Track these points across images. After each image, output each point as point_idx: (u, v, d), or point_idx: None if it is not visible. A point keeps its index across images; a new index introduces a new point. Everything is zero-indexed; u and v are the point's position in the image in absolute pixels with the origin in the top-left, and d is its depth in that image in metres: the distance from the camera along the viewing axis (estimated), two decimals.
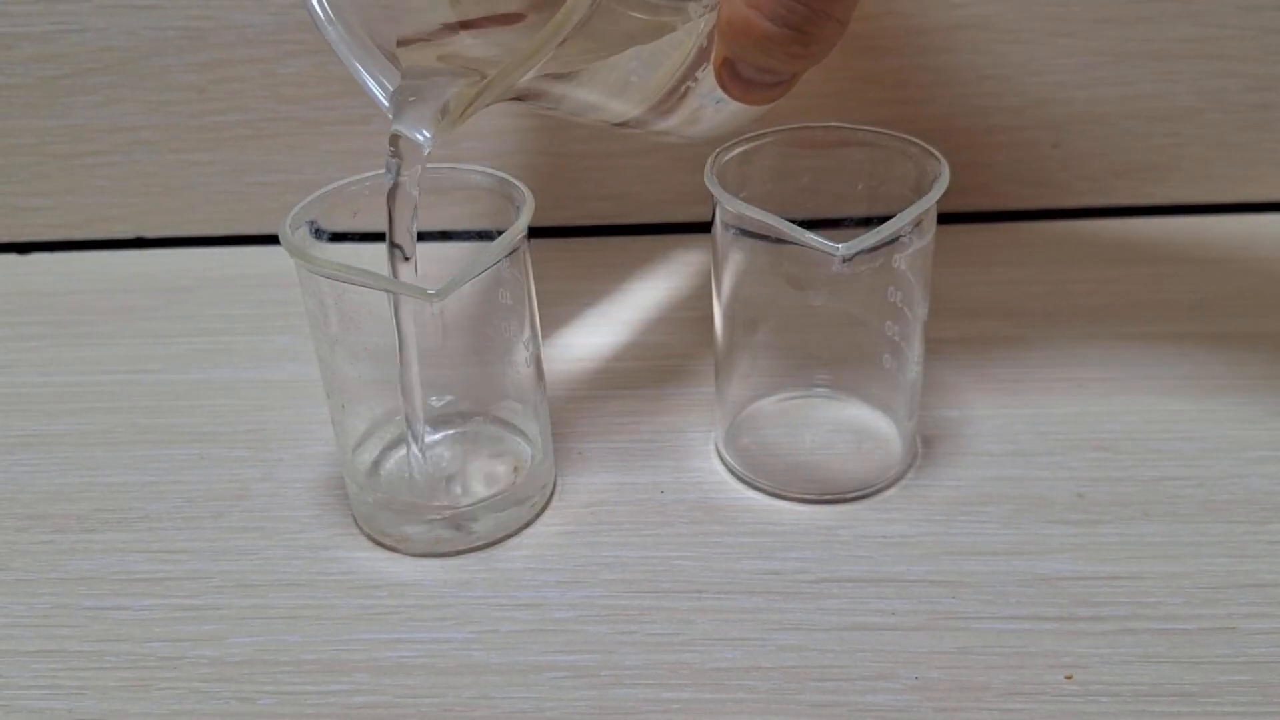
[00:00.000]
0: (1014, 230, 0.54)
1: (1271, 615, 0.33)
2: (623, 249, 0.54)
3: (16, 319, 0.51)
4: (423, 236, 0.36)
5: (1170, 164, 0.54)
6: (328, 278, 0.33)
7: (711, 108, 0.34)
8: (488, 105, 0.29)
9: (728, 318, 0.38)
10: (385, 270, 0.32)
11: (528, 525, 0.37)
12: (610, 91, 0.33)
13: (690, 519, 0.37)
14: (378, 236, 0.36)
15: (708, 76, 0.32)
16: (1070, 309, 0.47)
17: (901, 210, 0.33)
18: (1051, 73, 0.51)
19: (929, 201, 0.33)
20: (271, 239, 0.38)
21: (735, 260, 0.37)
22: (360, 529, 0.37)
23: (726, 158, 0.36)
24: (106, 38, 0.51)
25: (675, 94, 0.33)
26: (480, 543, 0.36)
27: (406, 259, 0.32)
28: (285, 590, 0.35)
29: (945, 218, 0.36)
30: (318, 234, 0.35)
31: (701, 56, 0.32)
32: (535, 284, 0.36)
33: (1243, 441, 0.39)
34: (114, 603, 0.35)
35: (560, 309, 0.49)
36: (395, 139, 0.31)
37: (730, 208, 0.34)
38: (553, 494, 0.38)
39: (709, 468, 0.39)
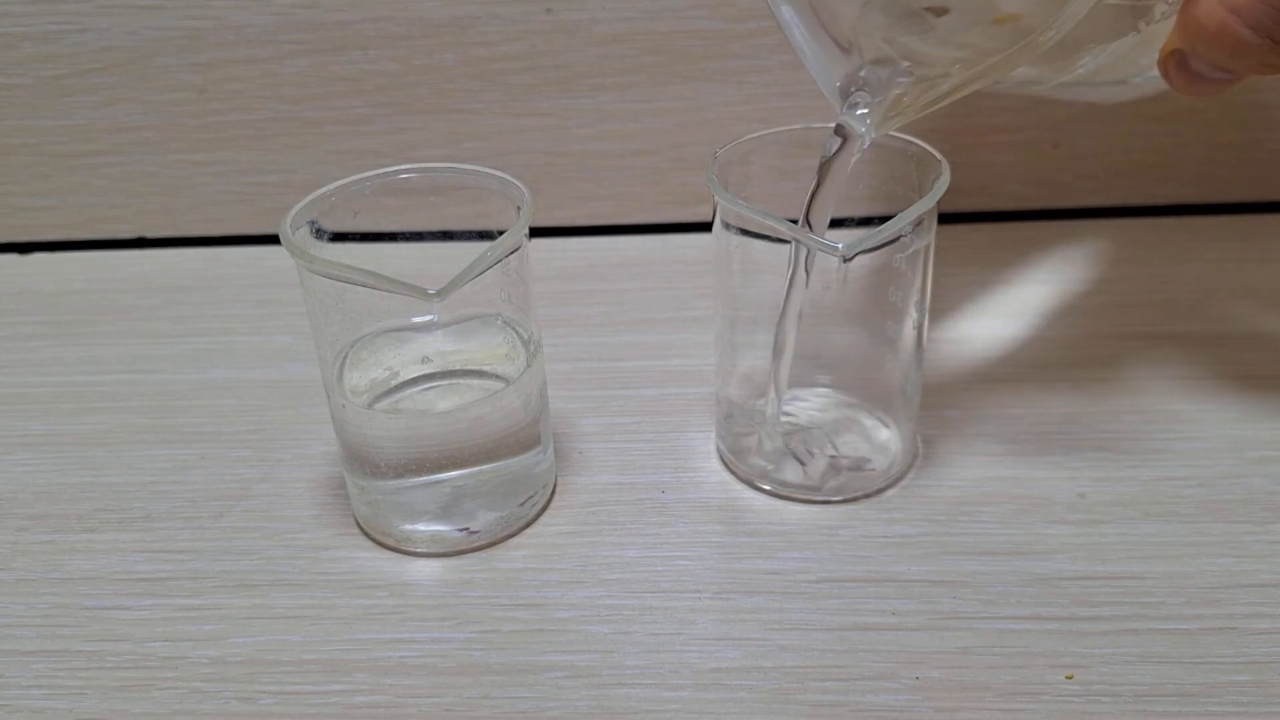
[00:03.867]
0: (1014, 230, 0.54)
1: (1271, 615, 0.33)
2: (623, 249, 0.54)
3: (16, 319, 0.51)
4: (422, 236, 0.36)
5: (1170, 164, 0.54)
6: (328, 278, 0.33)
7: (1138, 81, 0.35)
8: (937, 108, 0.30)
9: (728, 318, 0.38)
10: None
11: (528, 525, 0.37)
12: (1043, 73, 0.33)
13: (690, 519, 0.37)
14: (378, 236, 0.36)
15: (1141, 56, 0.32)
16: (1070, 309, 0.47)
17: (901, 210, 0.33)
18: None
19: (929, 201, 0.33)
20: (271, 239, 0.38)
21: (735, 260, 0.37)
22: (360, 529, 0.37)
23: (727, 158, 0.36)
24: (107, 38, 0.51)
25: (1110, 75, 0.34)
26: (480, 543, 0.36)
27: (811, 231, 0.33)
28: (285, 590, 0.35)
29: (945, 218, 0.36)
30: (318, 234, 0.35)
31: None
32: (535, 284, 0.36)
33: (1243, 441, 0.39)
34: (115, 603, 0.35)
35: (561, 309, 0.49)
36: (840, 127, 0.32)
37: (730, 207, 0.34)
38: (553, 494, 0.38)
39: (709, 468, 0.39)
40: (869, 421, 0.39)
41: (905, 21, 0.31)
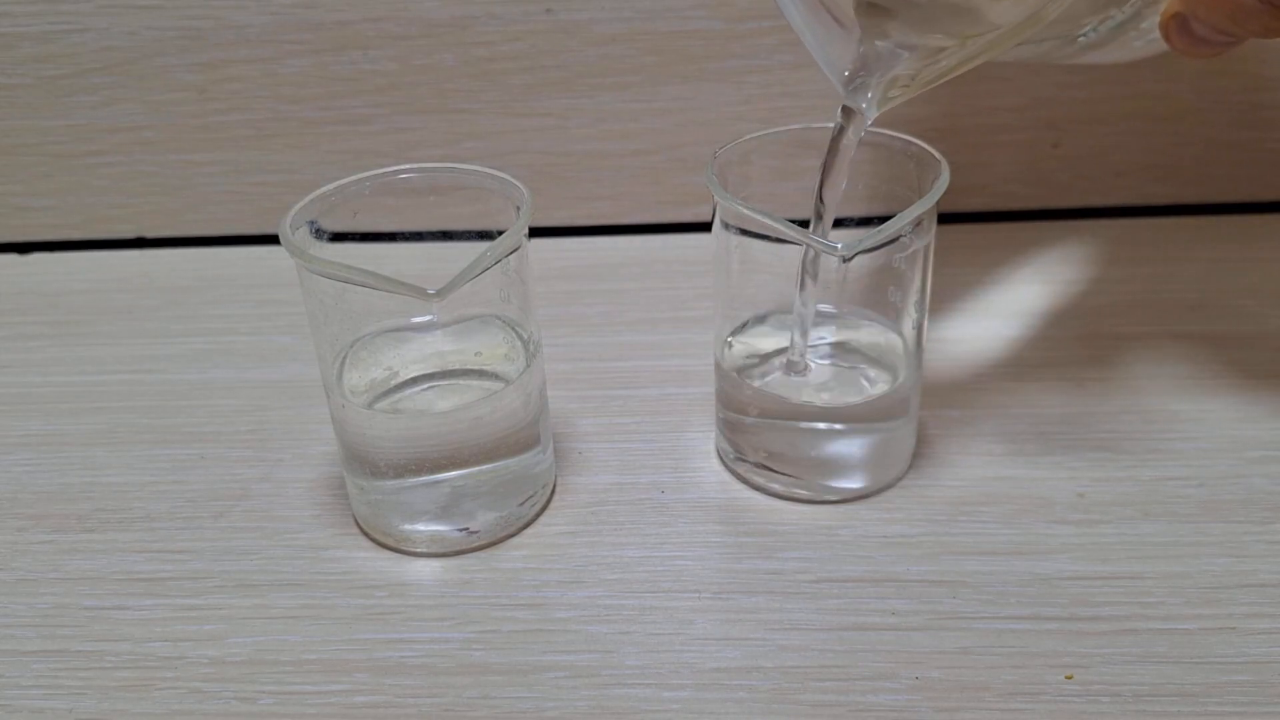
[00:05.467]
0: (1014, 230, 0.54)
1: (1271, 615, 0.33)
2: (623, 249, 0.54)
3: (16, 319, 0.51)
4: (422, 236, 0.36)
5: (1170, 164, 0.54)
6: (328, 278, 0.33)
7: (1139, 45, 0.35)
8: (933, 86, 0.31)
9: (727, 318, 0.38)
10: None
11: (528, 525, 0.37)
12: (1044, 42, 0.33)
13: (690, 519, 0.37)
14: (378, 236, 0.36)
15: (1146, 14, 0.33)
16: (1070, 309, 0.47)
17: (901, 210, 0.33)
18: (1051, 73, 0.51)
19: (929, 201, 0.33)
20: (271, 239, 0.38)
21: (735, 260, 0.37)
22: (360, 529, 0.37)
23: (726, 158, 0.36)
24: (107, 38, 0.51)
25: (1109, 30, 0.34)
26: (480, 543, 0.36)
27: (821, 216, 0.34)
28: (285, 590, 0.35)
29: (945, 218, 0.36)
30: (318, 234, 0.35)
31: None
32: (535, 284, 0.36)
33: (1243, 441, 0.39)
34: (114, 603, 0.35)
35: (561, 309, 0.49)
36: (846, 108, 0.33)
37: (730, 207, 0.34)
38: (553, 494, 0.38)
39: (709, 468, 0.39)
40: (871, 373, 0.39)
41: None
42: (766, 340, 0.39)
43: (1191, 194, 0.54)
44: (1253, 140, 0.53)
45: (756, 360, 0.39)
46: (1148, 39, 0.34)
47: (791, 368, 0.38)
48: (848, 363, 0.39)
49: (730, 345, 0.39)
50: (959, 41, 0.31)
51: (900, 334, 0.38)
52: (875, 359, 0.39)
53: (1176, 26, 0.31)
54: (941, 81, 0.31)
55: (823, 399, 0.37)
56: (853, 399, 0.37)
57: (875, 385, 0.38)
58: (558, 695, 0.31)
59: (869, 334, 0.39)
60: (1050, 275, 0.50)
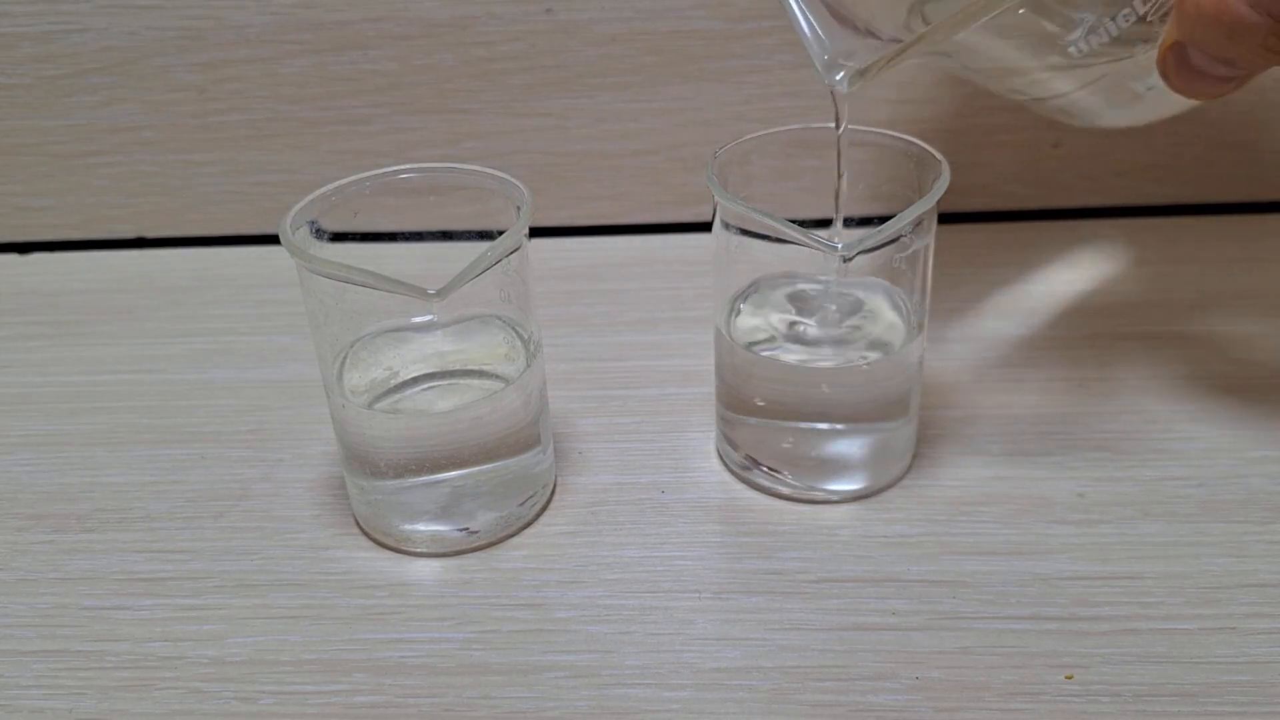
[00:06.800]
0: (1014, 230, 0.54)
1: (1271, 615, 0.33)
2: (623, 249, 0.54)
3: (16, 319, 0.51)
4: (422, 236, 0.36)
5: (1170, 164, 0.54)
6: (328, 278, 0.33)
7: (1143, 92, 0.34)
8: (897, 66, 0.31)
9: (728, 317, 0.38)
10: None
11: (528, 525, 0.37)
12: (1020, 54, 0.32)
13: (690, 519, 0.37)
14: (378, 236, 0.36)
15: (1143, 56, 0.31)
16: (1070, 309, 0.47)
17: (901, 210, 0.33)
18: None
19: (929, 201, 0.33)
20: (271, 239, 0.38)
21: (735, 260, 0.37)
22: (360, 529, 0.37)
23: (727, 158, 0.36)
24: (107, 38, 0.51)
25: (1097, 67, 0.32)
26: (480, 543, 0.36)
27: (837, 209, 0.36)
28: (285, 590, 0.35)
29: (945, 218, 0.36)
30: (318, 234, 0.35)
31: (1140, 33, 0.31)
32: (535, 284, 0.36)
33: (1243, 441, 0.39)
34: (114, 603, 0.35)
35: (561, 309, 0.49)
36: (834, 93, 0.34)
37: (730, 207, 0.34)
38: (553, 494, 0.38)
39: (709, 468, 0.39)
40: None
41: None
42: (762, 321, 0.40)
43: (1191, 194, 0.54)
44: (1253, 140, 0.53)
45: (760, 338, 0.39)
46: (1147, 85, 0.33)
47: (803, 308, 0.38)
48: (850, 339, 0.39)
49: (737, 312, 0.39)
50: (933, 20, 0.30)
51: (901, 307, 0.38)
52: (876, 336, 0.39)
53: (1175, 60, 0.30)
54: (915, 59, 0.32)
55: (825, 365, 0.37)
56: (855, 361, 0.37)
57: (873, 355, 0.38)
58: (558, 695, 0.31)
59: (871, 316, 0.39)
60: (1050, 275, 0.50)
